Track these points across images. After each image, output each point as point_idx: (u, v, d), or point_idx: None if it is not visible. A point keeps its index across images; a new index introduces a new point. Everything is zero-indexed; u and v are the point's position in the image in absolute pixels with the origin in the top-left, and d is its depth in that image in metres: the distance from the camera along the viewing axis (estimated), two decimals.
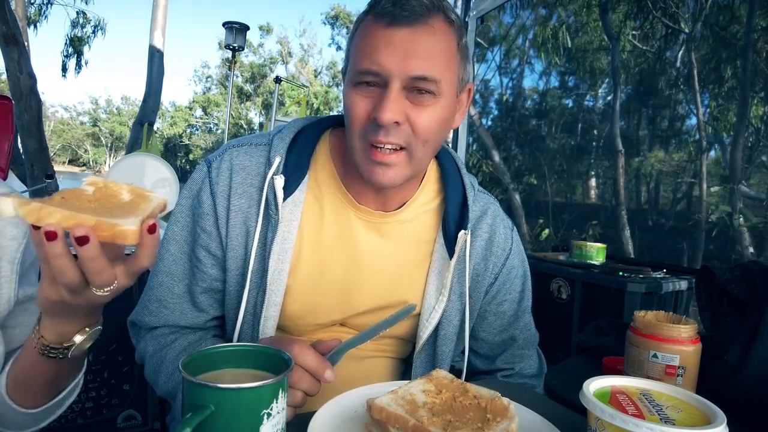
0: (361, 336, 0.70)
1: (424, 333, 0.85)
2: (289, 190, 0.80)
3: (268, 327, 0.81)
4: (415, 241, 0.86)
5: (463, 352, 0.89)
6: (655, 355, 0.76)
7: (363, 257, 0.84)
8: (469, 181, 0.88)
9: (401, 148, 0.73)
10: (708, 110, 3.36)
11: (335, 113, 0.89)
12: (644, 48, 3.79)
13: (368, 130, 0.72)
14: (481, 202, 0.90)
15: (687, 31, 3.44)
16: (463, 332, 0.87)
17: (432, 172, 0.89)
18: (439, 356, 0.87)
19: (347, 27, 25.22)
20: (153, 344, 0.83)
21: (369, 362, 0.90)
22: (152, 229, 0.48)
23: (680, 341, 0.74)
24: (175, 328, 0.85)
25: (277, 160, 0.80)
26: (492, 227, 0.89)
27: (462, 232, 0.83)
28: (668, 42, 3.58)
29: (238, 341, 0.83)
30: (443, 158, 0.90)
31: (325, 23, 25.57)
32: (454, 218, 0.85)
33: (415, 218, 0.86)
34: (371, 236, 0.84)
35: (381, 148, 0.72)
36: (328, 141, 0.87)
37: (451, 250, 0.84)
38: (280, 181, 0.78)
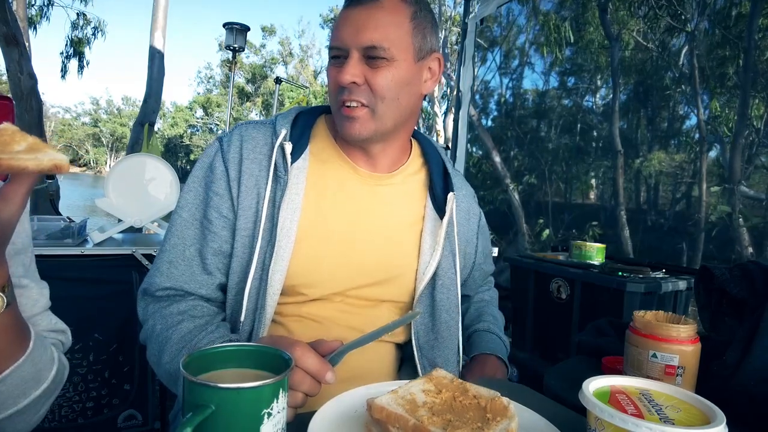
0: (363, 338, 0.71)
1: (421, 284, 0.94)
2: (293, 157, 0.90)
3: (275, 282, 0.85)
4: (407, 204, 0.98)
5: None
6: (654, 355, 0.76)
7: (363, 215, 0.93)
8: (446, 156, 1.04)
9: (365, 106, 0.85)
10: (708, 110, 3.36)
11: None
12: (646, 44, 3.78)
13: (338, 92, 0.86)
14: (457, 176, 1.05)
15: (689, 29, 3.44)
16: (456, 289, 0.99)
17: (415, 149, 1.03)
18: (438, 304, 0.96)
19: None
20: (161, 323, 0.85)
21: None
22: None
23: (680, 341, 0.75)
24: (184, 305, 0.86)
25: (284, 132, 0.90)
26: (467, 197, 1.06)
27: (450, 194, 0.97)
28: (670, 40, 3.59)
29: (247, 299, 0.86)
30: (421, 140, 1.04)
31: (323, 27, 25.57)
32: (439, 184, 0.98)
33: (405, 185, 0.98)
34: (369, 196, 0.95)
35: (349, 105, 0.85)
36: (325, 121, 0.99)
37: (440, 211, 0.96)
38: (288, 147, 0.89)
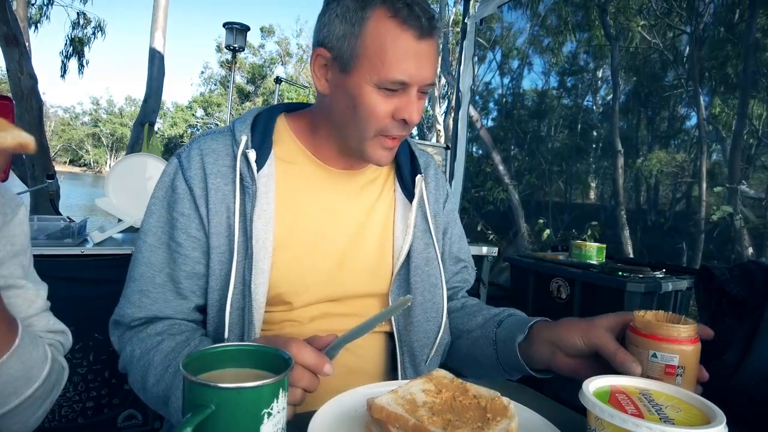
0: (357, 329, 0.70)
1: (395, 267, 0.93)
2: (258, 164, 0.85)
3: (259, 295, 0.83)
4: (378, 192, 0.97)
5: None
6: (654, 355, 0.75)
7: (337, 211, 0.92)
8: (410, 138, 1.02)
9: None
10: (708, 110, 3.36)
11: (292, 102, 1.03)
12: (647, 43, 3.78)
13: (388, 127, 0.82)
14: (424, 157, 1.04)
15: (689, 30, 3.44)
16: (436, 269, 0.97)
17: None
18: (412, 286, 0.93)
19: None
20: (140, 347, 0.81)
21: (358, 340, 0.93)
22: None
23: (680, 341, 0.74)
24: (161, 326, 0.84)
25: (244, 139, 0.86)
26: (436, 176, 1.04)
27: (419, 176, 0.97)
28: (670, 40, 3.59)
29: (229, 317, 0.82)
30: None
31: None
32: (406, 167, 0.98)
33: (374, 173, 0.98)
34: (341, 191, 0.93)
35: (394, 137, 0.83)
36: (286, 122, 0.94)
37: (408, 194, 0.96)
38: (252, 155, 0.84)
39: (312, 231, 0.89)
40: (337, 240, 0.91)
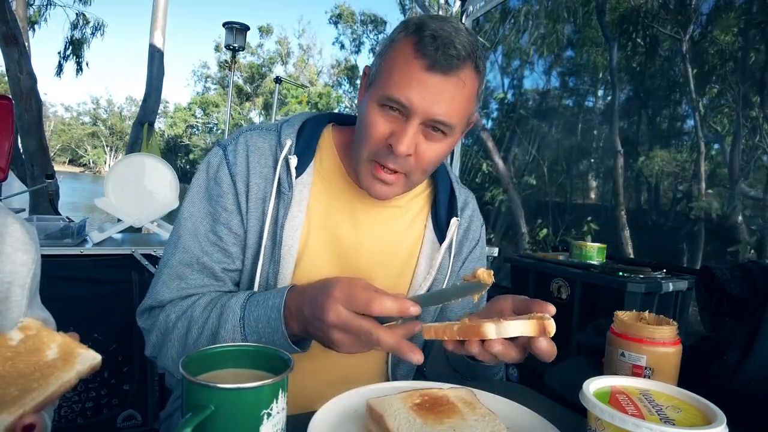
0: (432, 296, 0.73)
1: None
2: (298, 171, 0.86)
3: None
4: (408, 226, 0.95)
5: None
6: (622, 354, 0.75)
7: (364, 236, 0.91)
8: (453, 174, 1.00)
9: (401, 173, 0.81)
10: (708, 110, 3.37)
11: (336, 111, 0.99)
12: (649, 38, 3.78)
13: (380, 152, 0.79)
14: (464, 195, 1.01)
15: (688, 31, 3.44)
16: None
17: None
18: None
19: (351, 27, 25.13)
20: (175, 311, 0.81)
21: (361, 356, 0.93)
22: (28, 429, 0.44)
23: (648, 342, 0.74)
24: (195, 296, 0.84)
25: (289, 143, 0.86)
26: (471, 218, 1.01)
27: (454, 219, 0.93)
28: (669, 41, 3.59)
29: None
30: None
31: (330, 23, 25.40)
32: (444, 206, 0.95)
33: (408, 205, 0.95)
34: (372, 218, 0.91)
35: (384, 167, 0.80)
36: (331, 134, 0.94)
37: (440, 236, 0.93)
38: (293, 161, 0.85)
39: (336, 247, 0.89)
40: (359, 261, 0.90)
